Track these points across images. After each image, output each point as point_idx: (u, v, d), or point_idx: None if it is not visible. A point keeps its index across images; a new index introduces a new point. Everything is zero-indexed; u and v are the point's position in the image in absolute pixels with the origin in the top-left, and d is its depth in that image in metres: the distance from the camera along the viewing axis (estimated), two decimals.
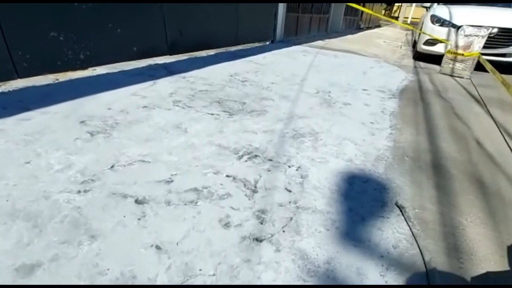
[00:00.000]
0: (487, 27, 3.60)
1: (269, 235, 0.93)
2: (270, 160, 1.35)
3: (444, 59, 3.82)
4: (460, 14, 4.29)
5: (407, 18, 22.63)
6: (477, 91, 3.07)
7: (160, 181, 1.12)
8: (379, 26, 15.58)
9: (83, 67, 2.15)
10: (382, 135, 1.76)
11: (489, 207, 1.17)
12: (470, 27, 3.60)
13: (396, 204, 1.13)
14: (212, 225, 0.94)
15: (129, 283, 0.74)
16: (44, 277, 0.72)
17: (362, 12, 10.99)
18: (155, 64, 2.69)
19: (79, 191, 1.03)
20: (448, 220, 1.08)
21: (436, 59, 3.94)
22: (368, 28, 12.80)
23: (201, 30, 3.20)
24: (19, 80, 1.82)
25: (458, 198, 1.21)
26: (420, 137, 1.78)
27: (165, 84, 2.19)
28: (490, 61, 4.10)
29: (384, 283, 0.81)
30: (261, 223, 0.97)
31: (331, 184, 1.22)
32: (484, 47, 3.95)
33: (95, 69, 2.31)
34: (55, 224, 0.88)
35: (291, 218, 1.01)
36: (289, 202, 1.09)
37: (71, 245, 0.82)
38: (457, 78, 3.65)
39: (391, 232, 0.99)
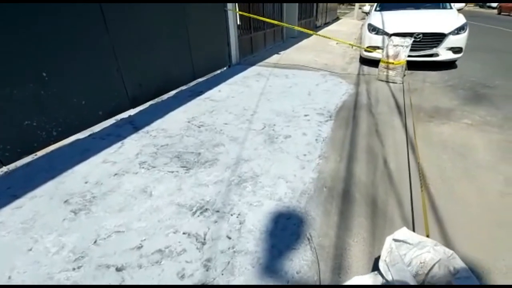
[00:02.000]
0: (411, 37, 4.16)
1: (212, 279, 1.35)
2: (217, 211, 1.77)
3: (380, 67, 4.36)
4: (391, 21, 4.85)
5: (364, 4, 23.49)
6: (404, 98, 3.61)
7: (133, 248, 1.52)
8: (337, 19, 16.24)
9: (58, 140, 2.47)
10: (310, 166, 2.22)
11: (373, 226, 1.65)
12: (397, 38, 4.15)
13: (307, 236, 1.59)
14: (172, 278, 1.35)
15: None
16: None
17: (317, 10, 11.53)
18: (120, 120, 3.03)
19: (74, 268, 1.41)
20: (340, 242, 1.54)
21: (377, 63, 4.46)
22: (326, 24, 13.40)
23: (158, 77, 3.55)
24: (5, 167, 2.15)
25: (352, 221, 1.68)
26: (341, 164, 2.25)
27: (131, 144, 2.55)
28: (421, 62, 4.71)
29: None
30: (207, 270, 1.39)
31: (262, 226, 1.65)
32: (415, 49, 4.54)
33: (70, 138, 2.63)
34: None
35: (229, 262, 1.43)
36: (228, 248, 1.51)
37: None
38: (391, 84, 4.20)
39: (298, 261, 1.44)
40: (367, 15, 5.99)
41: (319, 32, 10.13)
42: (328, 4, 13.51)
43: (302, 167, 2.21)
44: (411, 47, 4.20)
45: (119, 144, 2.55)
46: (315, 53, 6.69)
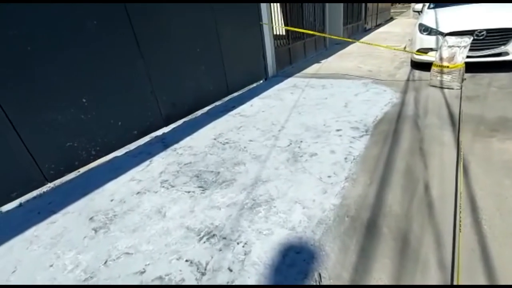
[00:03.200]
0: (471, 36, 3.57)
1: None
2: (224, 238, 1.68)
3: (432, 72, 3.83)
4: (446, 19, 4.26)
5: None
6: (460, 107, 3.07)
7: (136, 272, 1.52)
8: (391, 19, 15.08)
9: (97, 158, 2.71)
10: (334, 191, 1.99)
11: (400, 271, 1.37)
12: (453, 38, 3.61)
13: (316, 276, 1.39)
14: None
15: None
16: None
17: (366, 12, 10.87)
18: (155, 137, 3.21)
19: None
20: None
21: (431, 66, 3.94)
22: (378, 26, 12.52)
23: (191, 94, 3.68)
24: (49, 183, 2.42)
25: (374, 262, 1.42)
26: (370, 188, 1.98)
27: (158, 162, 2.65)
28: (485, 62, 4.01)
29: None
30: None
31: (268, 259, 1.51)
32: (476, 49, 3.89)
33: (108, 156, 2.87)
34: None
35: None
36: (227, 282, 1.41)
37: None
38: (447, 90, 3.64)
39: None
40: (419, 14, 5.38)
41: (367, 37, 9.52)
42: (380, 4, 12.65)
43: (324, 191, 2.00)
44: (472, 46, 3.60)
45: (147, 162, 2.68)
46: (360, 59, 6.25)
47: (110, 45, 2.68)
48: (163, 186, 2.26)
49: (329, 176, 2.16)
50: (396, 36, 9.16)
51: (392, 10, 17.69)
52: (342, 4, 8.07)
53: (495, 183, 1.86)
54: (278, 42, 5.61)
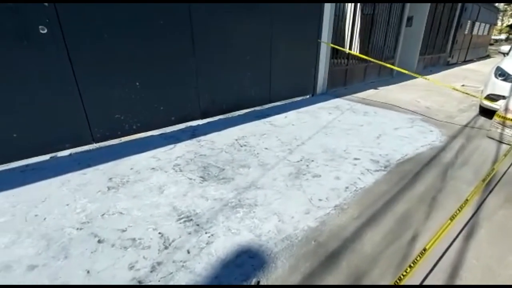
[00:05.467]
0: None
1: (149, 281, 1.47)
2: (198, 225, 1.87)
3: (493, 122, 3.37)
4: None
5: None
6: (510, 167, 2.66)
7: (119, 229, 1.82)
8: (487, 56, 13.15)
9: (136, 133, 3.20)
10: (316, 214, 2.00)
11: None
12: None
13: (255, 282, 1.47)
14: (122, 267, 1.55)
15: None
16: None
17: (453, 44, 9.78)
18: (188, 127, 3.59)
19: (78, 228, 1.83)
20: None
21: None
22: (466, 62, 11.11)
23: (232, 96, 3.99)
24: (95, 144, 2.97)
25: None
26: (354, 222, 1.92)
27: (180, 148, 3.00)
28: None
29: None
30: (151, 272, 1.52)
31: (223, 254, 1.64)
32: None
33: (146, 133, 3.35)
34: (62, 241, 1.67)
35: (171, 273, 1.52)
36: (180, 261, 1.59)
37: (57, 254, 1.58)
38: (506, 146, 3.16)
39: None
40: (504, 56, 4.70)
41: (445, 71, 8.61)
42: (475, 38, 11.21)
43: (307, 211, 2.02)
44: None
45: (172, 145, 3.04)
46: (423, 93, 5.75)
47: (169, 40, 3.14)
48: (173, 169, 2.57)
49: (320, 200, 2.16)
50: (481, 75, 8.05)
51: (492, 48, 15.38)
52: (423, 32, 7.48)
53: (495, 256, 1.62)
54: (336, 61, 5.57)
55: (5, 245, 1.67)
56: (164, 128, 3.45)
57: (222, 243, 1.72)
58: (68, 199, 2.12)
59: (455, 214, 1.62)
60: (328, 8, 4.77)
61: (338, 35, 5.35)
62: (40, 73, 2.47)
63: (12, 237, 1.73)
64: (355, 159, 2.83)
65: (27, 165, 2.58)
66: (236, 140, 3.22)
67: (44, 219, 1.90)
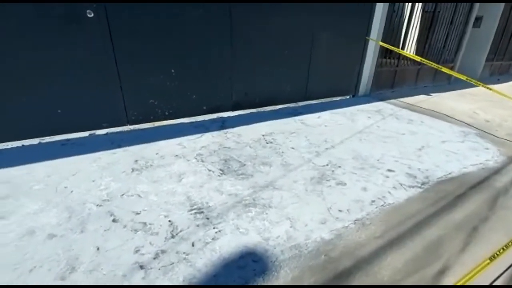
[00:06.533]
0: None
1: (150, 268, 1.48)
2: (207, 218, 1.85)
3: None
4: None
5: None
6: None
7: (134, 211, 1.88)
8: None
9: (168, 119, 3.29)
10: (333, 226, 1.85)
11: None
12: None
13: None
14: (129, 249, 1.59)
15: None
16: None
17: None
18: (219, 117, 3.60)
19: (97, 205, 1.93)
20: None
21: None
22: None
23: (266, 90, 3.89)
24: (129, 126, 3.12)
25: None
26: (374, 241, 1.74)
27: (207, 137, 3.01)
28: None
29: None
30: (154, 259, 1.53)
31: (226, 252, 1.60)
32: None
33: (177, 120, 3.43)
34: (82, 215, 1.78)
35: (172, 263, 1.51)
36: (184, 253, 1.58)
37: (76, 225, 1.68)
38: None
39: None
40: None
41: None
42: None
43: (323, 221, 1.88)
44: None
45: (199, 135, 3.07)
46: (483, 104, 5.04)
47: (208, 31, 3.15)
48: (196, 158, 2.59)
49: (339, 210, 2.00)
50: None
51: None
52: (493, 35, 6.52)
53: None
54: (384, 61, 5.13)
55: (34, 211, 1.82)
56: (195, 117, 3.50)
57: (228, 241, 1.67)
58: (95, 176, 2.25)
59: (498, 253, 1.36)
60: (381, 3, 4.38)
61: (390, 33, 4.91)
62: (86, 55, 2.63)
63: (42, 205, 1.88)
64: (389, 170, 2.57)
65: (68, 139, 2.81)
66: (263, 136, 3.14)
67: (71, 191, 2.04)
